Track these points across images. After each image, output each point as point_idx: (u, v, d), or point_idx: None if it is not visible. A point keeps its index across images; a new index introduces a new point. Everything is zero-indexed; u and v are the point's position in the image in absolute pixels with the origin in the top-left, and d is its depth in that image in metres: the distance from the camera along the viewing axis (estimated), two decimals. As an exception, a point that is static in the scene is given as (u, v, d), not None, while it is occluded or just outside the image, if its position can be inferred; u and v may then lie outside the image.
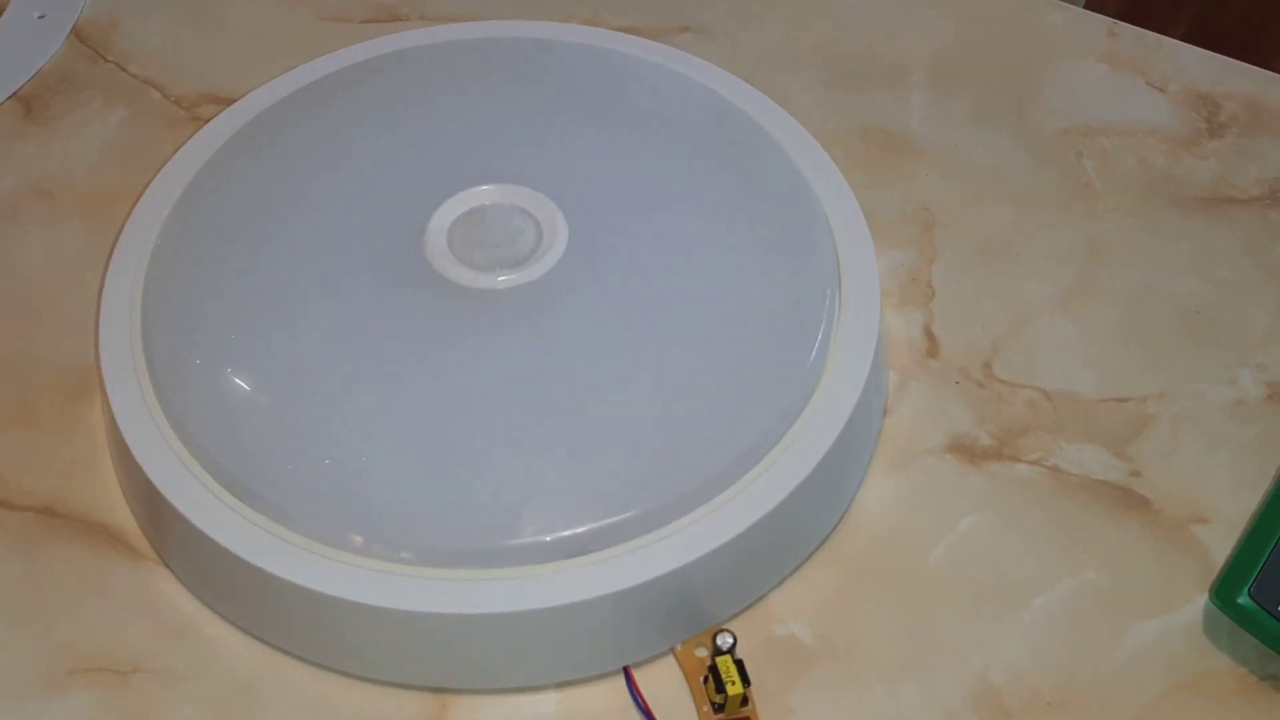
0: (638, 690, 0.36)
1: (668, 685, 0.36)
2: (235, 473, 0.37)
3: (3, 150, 0.49)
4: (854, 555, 0.39)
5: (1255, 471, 0.40)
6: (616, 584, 0.35)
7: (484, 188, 0.43)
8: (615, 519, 0.35)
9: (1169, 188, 0.48)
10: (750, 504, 0.36)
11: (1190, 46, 0.52)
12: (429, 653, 0.36)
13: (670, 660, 0.37)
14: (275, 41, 0.53)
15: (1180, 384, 0.42)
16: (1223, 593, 0.36)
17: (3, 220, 0.47)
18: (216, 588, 0.38)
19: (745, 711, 0.35)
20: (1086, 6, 0.57)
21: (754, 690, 0.36)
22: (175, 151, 0.46)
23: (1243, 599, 0.36)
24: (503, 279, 0.40)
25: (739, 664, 0.35)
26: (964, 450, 0.41)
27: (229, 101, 0.48)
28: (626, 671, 0.36)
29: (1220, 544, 0.39)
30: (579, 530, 0.35)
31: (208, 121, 0.47)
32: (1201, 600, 0.38)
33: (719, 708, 0.35)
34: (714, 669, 0.35)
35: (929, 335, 0.44)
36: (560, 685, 0.36)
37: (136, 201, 0.44)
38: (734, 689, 0.34)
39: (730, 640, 0.35)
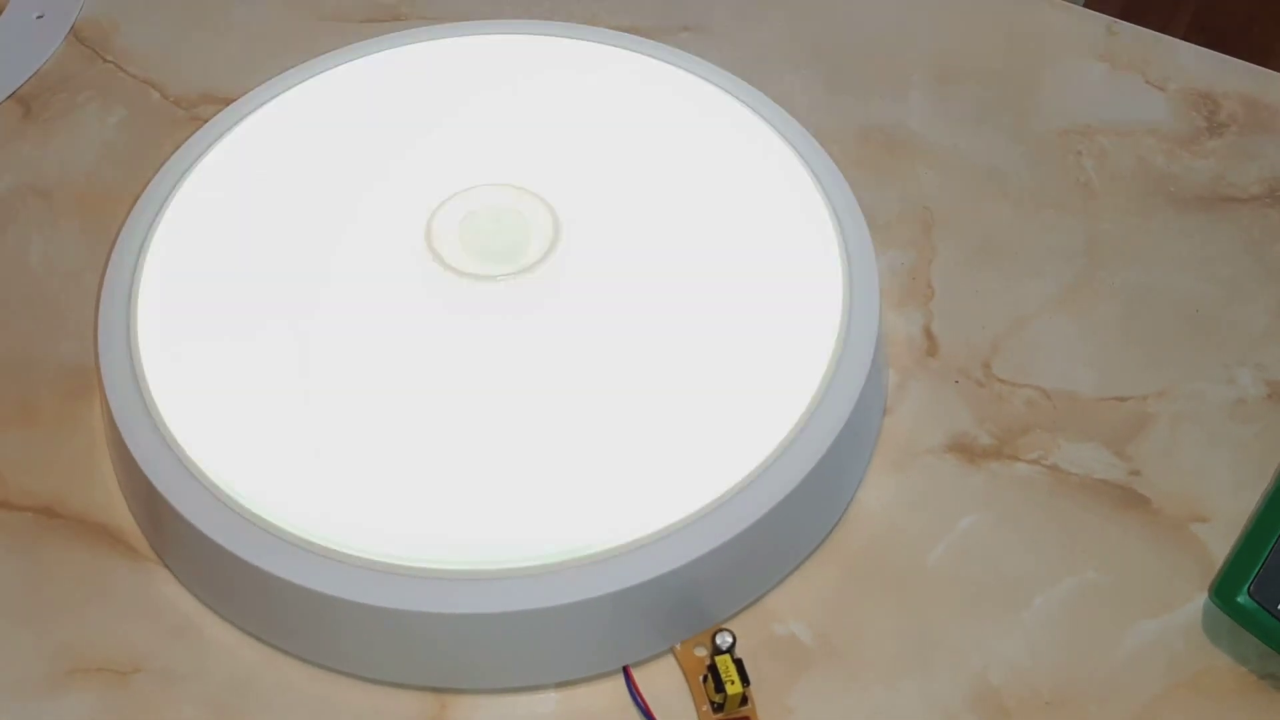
0: (637, 690, 0.36)
1: (667, 685, 0.36)
2: (234, 472, 0.37)
3: (2, 150, 0.49)
4: (853, 555, 0.39)
5: (1255, 470, 0.40)
6: (616, 584, 0.35)
7: (484, 188, 0.43)
8: (614, 519, 0.35)
9: (1168, 187, 0.48)
10: (750, 504, 0.36)
11: (1189, 45, 0.52)
12: (428, 652, 0.36)
13: (670, 660, 0.37)
14: (274, 41, 0.53)
15: (1180, 383, 0.42)
16: (1222, 591, 0.36)
17: (2, 220, 0.47)
18: (216, 587, 0.38)
19: (744, 711, 0.35)
20: (1086, 5, 0.57)
21: (753, 690, 0.36)
22: (174, 151, 0.45)
23: (1242, 598, 0.36)
24: (503, 279, 0.40)
25: (738, 663, 0.35)
26: (964, 449, 0.41)
27: (228, 101, 0.48)
28: (626, 671, 0.36)
29: (1220, 543, 0.39)
30: (578, 530, 0.35)
31: (207, 121, 0.46)
32: (1201, 599, 0.38)
33: (718, 707, 0.35)
34: (713, 668, 0.35)
35: (928, 335, 0.44)
36: (560, 685, 0.36)
37: (135, 201, 0.44)
38: (733, 688, 0.34)
39: (730, 640, 0.35)
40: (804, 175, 0.44)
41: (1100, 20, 0.53)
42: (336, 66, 0.48)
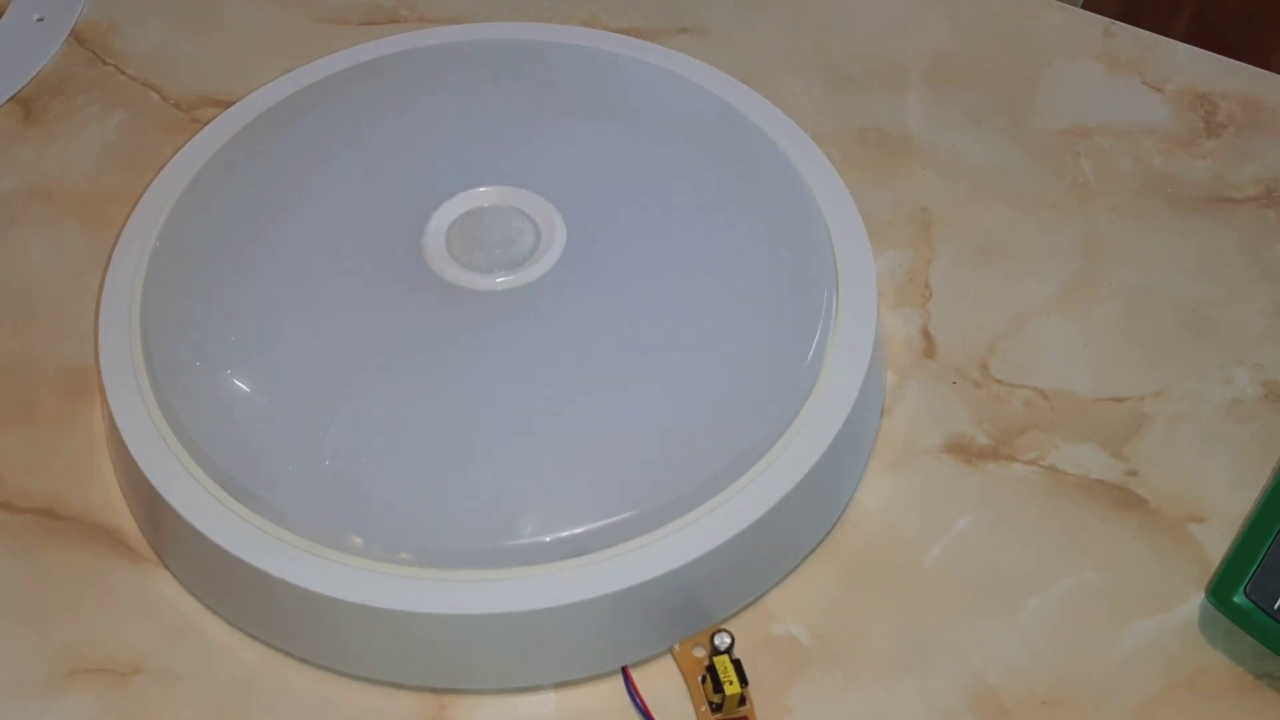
0: (636, 690, 0.36)
1: (666, 685, 0.36)
2: (234, 473, 0.37)
3: (2, 152, 0.49)
4: (852, 555, 0.39)
5: (1252, 470, 0.40)
6: (614, 584, 0.35)
7: (482, 189, 0.43)
8: (613, 519, 0.36)
9: (1166, 187, 0.48)
10: (748, 504, 0.36)
11: (1187, 46, 0.52)
12: (427, 653, 0.36)
13: (668, 660, 0.37)
14: (274, 44, 0.53)
15: (1177, 383, 0.42)
16: (1219, 591, 0.36)
17: (2, 222, 0.47)
18: (216, 588, 0.38)
19: (743, 711, 0.35)
20: (1084, 6, 0.57)
21: (752, 690, 0.36)
22: (174, 154, 0.46)
23: (1239, 598, 0.36)
24: (501, 280, 0.40)
25: (737, 664, 0.35)
26: (961, 450, 0.41)
27: (228, 104, 0.48)
28: (625, 672, 0.37)
29: (1216, 543, 0.39)
30: (577, 531, 0.35)
31: (206, 124, 0.47)
32: (1198, 599, 0.38)
33: (717, 707, 0.35)
34: (712, 669, 0.35)
35: (926, 335, 0.44)
36: (559, 685, 0.37)
37: (135, 203, 0.44)
38: (732, 689, 0.34)
39: (728, 640, 0.35)
40: (801, 176, 0.44)
41: (1098, 21, 0.53)
42: (335, 69, 0.48)
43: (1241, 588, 0.36)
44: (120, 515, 0.40)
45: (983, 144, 0.49)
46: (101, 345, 0.40)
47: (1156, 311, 0.44)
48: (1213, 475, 0.40)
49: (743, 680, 0.35)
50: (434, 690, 0.36)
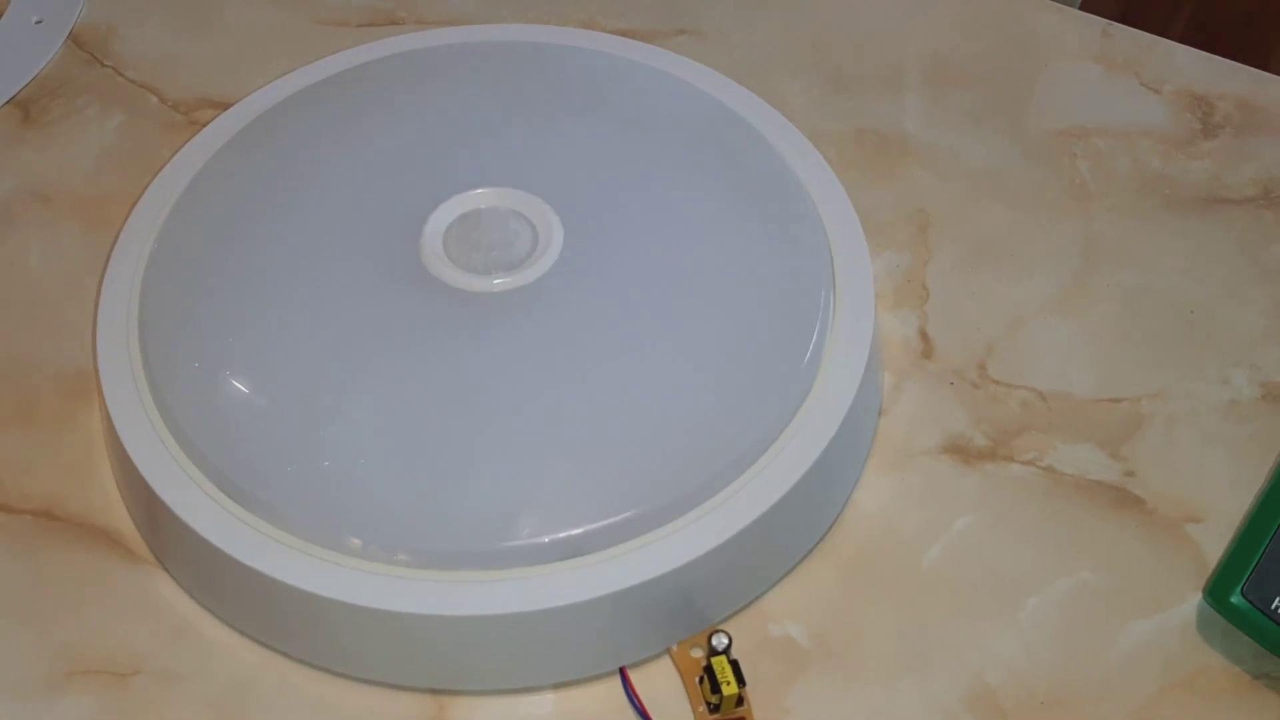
0: (634, 691, 0.36)
1: (664, 686, 0.36)
2: (232, 475, 0.37)
3: (1, 155, 0.50)
4: (849, 556, 0.39)
5: (1249, 471, 0.40)
6: (612, 585, 0.35)
7: (480, 191, 0.43)
8: (611, 520, 0.36)
9: (1163, 188, 0.48)
10: (746, 505, 0.36)
11: (1184, 47, 0.52)
12: (426, 654, 0.36)
13: (666, 661, 0.37)
14: (272, 45, 0.53)
15: (1175, 384, 0.42)
16: (1216, 591, 0.36)
17: (1, 224, 0.47)
18: (214, 590, 0.38)
19: (741, 712, 0.35)
20: (1082, 8, 0.57)
21: (749, 690, 0.36)
22: (172, 156, 0.46)
23: (1236, 598, 0.36)
24: (498, 282, 0.40)
25: (734, 664, 0.35)
26: (959, 451, 0.41)
27: (226, 106, 0.48)
28: (623, 672, 0.37)
29: (1214, 543, 0.39)
30: (575, 532, 0.35)
31: (205, 126, 0.47)
32: (1195, 599, 0.38)
33: (714, 708, 0.35)
34: (709, 669, 0.35)
35: (924, 336, 0.44)
36: (557, 686, 0.37)
37: (134, 205, 0.44)
38: (729, 689, 0.35)
39: (725, 641, 0.35)
40: (799, 177, 0.44)
41: (1096, 22, 0.53)
42: (334, 71, 0.48)
43: (1239, 588, 0.36)
44: (119, 516, 0.40)
45: (981, 145, 0.49)
46: (100, 347, 0.40)
47: (1154, 312, 0.44)
48: (1210, 475, 0.40)
49: (740, 681, 0.35)
50: (433, 691, 0.36)
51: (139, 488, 0.38)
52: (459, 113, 0.46)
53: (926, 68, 0.52)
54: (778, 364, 0.39)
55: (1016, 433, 0.41)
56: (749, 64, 0.52)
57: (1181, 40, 0.53)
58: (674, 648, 0.37)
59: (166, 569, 0.39)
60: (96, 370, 0.40)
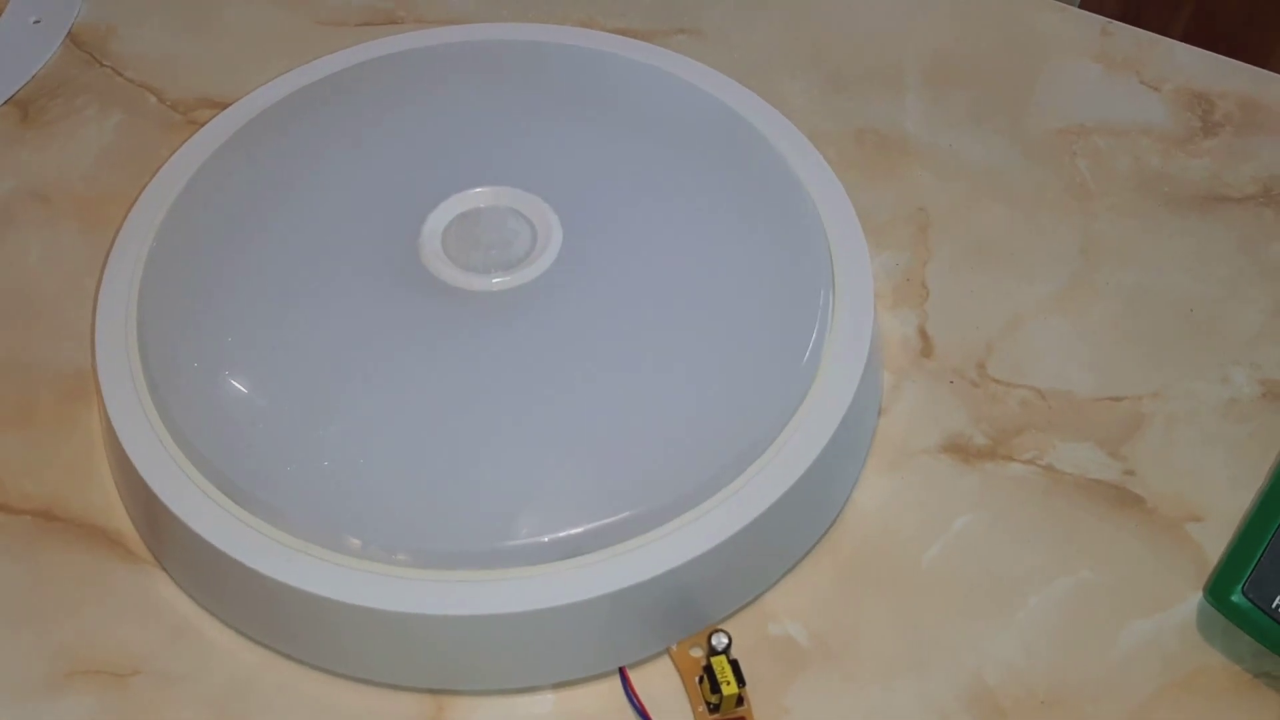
0: (633, 691, 0.36)
1: (663, 685, 0.36)
2: (231, 475, 0.37)
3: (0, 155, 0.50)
4: (849, 555, 0.39)
5: (1249, 469, 0.40)
6: (612, 585, 0.35)
7: (479, 190, 0.43)
8: (610, 520, 0.36)
9: (1163, 187, 0.48)
10: (745, 504, 0.36)
11: (1184, 45, 0.52)
12: (425, 654, 0.36)
13: (666, 660, 0.37)
14: (271, 45, 0.53)
15: (1174, 383, 0.42)
16: (1217, 590, 0.36)
17: (0, 224, 0.47)
18: (213, 590, 0.38)
19: (740, 711, 0.35)
20: (1082, 6, 0.57)
21: (749, 690, 0.36)
22: (171, 155, 0.46)
23: (1236, 596, 0.36)
24: (497, 281, 0.40)
25: (734, 664, 0.35)
26: (958, 450, 0.41)
27: (225, 105, 0.48)
28: (622, 672, 0.37)
29: (1214, 542, 0.39)
30: (574, 531, 0.35)
31: (203, 125, 0.47)
32: (1196, 598, 0.38)
33: (714, 708, 0.35)
34: (709, 669, 0.35)
35: (923, 335, 0.44)
36: (556, 686, 0.37)
37: (132, 205, 0.44)
38: (729, 689, 0.34)
39: (725, 640, 0.35)
40: (799, 177, 0.44)
41: (1095, 21, 0.53)
42: (333, 70, 0.48)
43: (1239, 587, 0.36)
44: (118, 517, 0.40)
45: (980, 144, 0.49)
46: (98, 347, 0.40)
47: (1154, 311, 0.44)
48: (1210, 474, 0.40)
49: (740, 680, 0.35)
50: (432, 691, 0.36)
51: (138, 488, 0.38)
52: (458, 112, 0.46)
53: (926, 67, 0.52)
54: (777, 363, 0.39)
55: (1016, 432, 0.41)
56: (749, 64, 0.51)
57: (1182, 39, 0.53)
58: (674, 647, 0.37)
59: (166, 569, 0.39)
60: (95, 370, 0.40)
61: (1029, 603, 0.38)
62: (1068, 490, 0.40)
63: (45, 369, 0.43)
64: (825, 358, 0.39)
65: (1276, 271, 0.45)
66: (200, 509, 0.36)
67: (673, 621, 0.37)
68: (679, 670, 0.36)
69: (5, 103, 0.51)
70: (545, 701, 0.36)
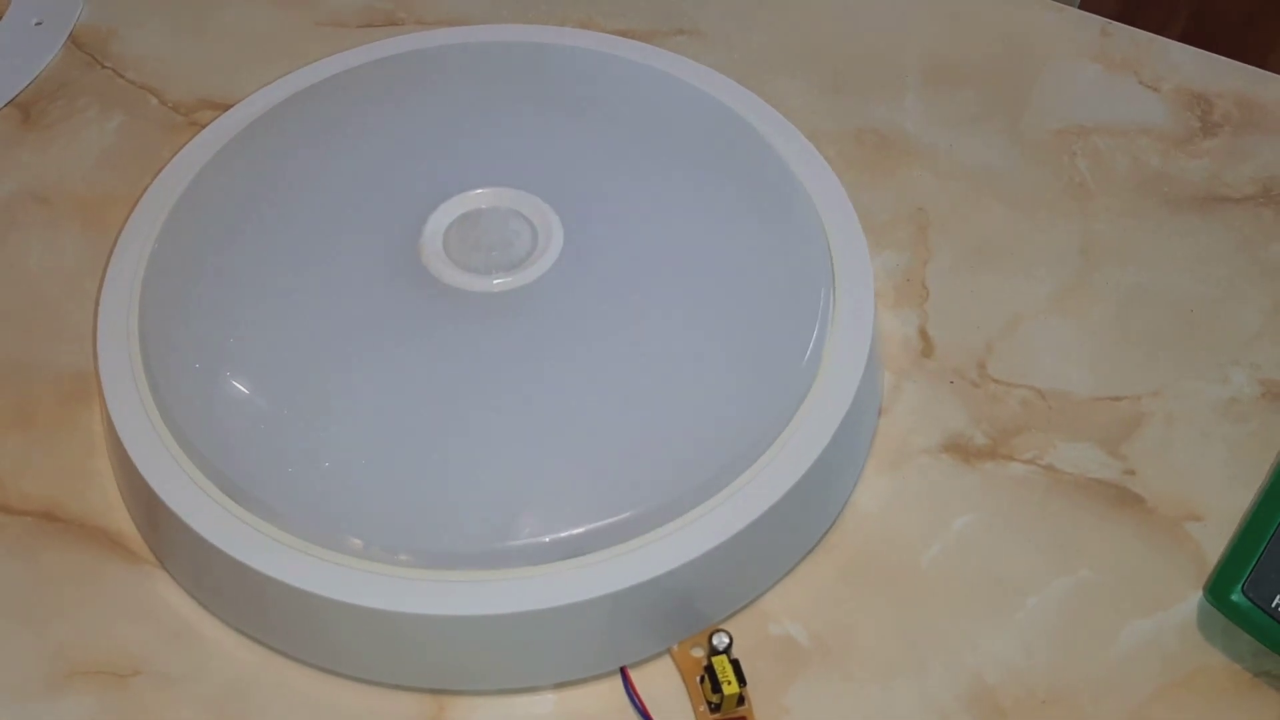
0: (634, 691, 0.36)
1: (664, 685, 0.36)
2: (232, 476, 0.37)
3: (1, 156, 0.50)
4: (849, 555, 0.39)
5: (1249, 469, 0.40)
6: (613, 585, 0.35)
7: (479, 191, 0.43)
8: (611, 520, 0.36)
9: (1163, 187, 0.48)
10: (745, 504, 0.36)
11: (1183, 45, 0.52)
12: (426, 654, 0.36)
13: (667, 660, 0.37)
14: (271, 46, 0.53)
15: (1174, 382, 0.42)
16: (1217, 590, 0.36)
17: (1, 226, 0.47)
18: (214, 590, 0.38)
19: (741, 711, 0.35)
20: (1081, 6, 0.57)
21: (750, 690, 0.36)
22: (172, 157, 0.46)
23: (1236, 596, 0.36)
24: (498, 282, 0.41)
25: (735, 664, 0.35)
26: (959, 449, 0.41)
27: (226, 107, 0.48)
28: (623, 672, 0.37)
29: (1214, 541, 0.39)
30: (575, 532, 0.35)
31: (204, 127, 0.47)
32: (1196, 597, 0.38)
33: (715, 707, 0.35)
34: (710, 669, 0.35)
35: (923, 335, 0.44)
36: (557, 686, 0.37)
37: (134, 207, 0.44)
38: (730, 689, 0.35)
39: (726, 640, 0.35)
40: (798, 177, 0.44)
41: (1094, 21, 0.53)
42: (333, 71, 0.48)
43: (1239, 586, 0.36)
44: (119, 518, 0.40)
45: (980, 144, 0.49)
46: (100, 348, 0.40)
47: (1153, 311, 0.44)
48: (1210, 474, 0.40)
49: (741, 680, 0.35)
50: (432, 691, 0.36)
51: (139, 488, 0.38)
52: (458, 113, 0.46)
53: (926, 67, 0.52)
54: (778, 363, 0.39)
55: (1016, 431, 0.41)
56: (748, 63, 0.52)
57: (1181, 39, 0.53)
58: (675, 647, 0.37)
59: (167, 570, 0.39)
60: (97, 371, 0.40)
61: (1029, 602, 0.38)
62: (1068, 490, 0.40)
63: (46, 370, 0.43)
64: (825, 358, 0.39)
65: (1276, 271, 0.45)
66: (201, 509, 0.36)
67: (674, 621, 0.37)
68: (680, 670, 0.36)
69: (7, 104, 0.51)
70: (546, 701, 0.36)
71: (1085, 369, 0.43)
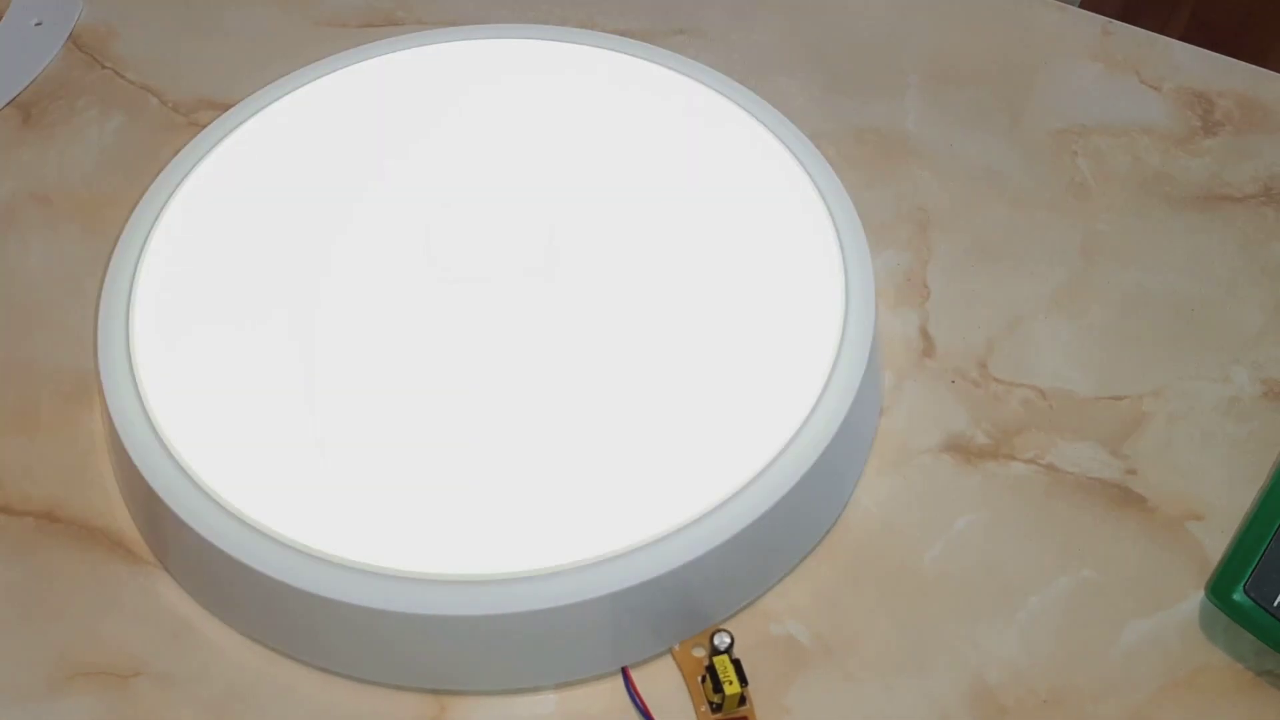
0: (636, 691, 0.36)
1: (666, 685, 0.36)
2: (233, 476, 0.37)
3: (1, 157, 0.50)
4: (850, 555, 0.39)
5: (1250, 468, 0.40)
6: (614, 585, 0.35)
7: (481, 193, 0.43)
8: (613, 521, 0.36)
9: (1163, 186, 0.48)
10: (747, 505, 0.36)
11: (1184, 45, 0.52)
12: (427, 655, 0.36)
13: (668, 660, 0.37)
14: (271, 47, 0.53)
15: (1175, 382, 0.42)
16: (1218, 589, 0.36)
17: (1, 226, 0.47)
18: (215, 591, 0.38)
19: (743, 711, 0.35)
20: (1083, 5, 0.57)
21: (751, 689, 0.36)
22: (172, 157, 0.46)
23: (1238, 595, 0.36)
24: (499, 283, 0.40)
25: (736, 664, 0.35)
26: (960, 449, 0.41)
27: (226, 107, 0.48)
28: (625, 672, 0.37)
29: (1215, 541, 0.39)
30: (576, 532, 0.35)
31: (205, 127, 0.47)
32: (1197, 597, 0.38)
33: (717, 707, 0.35)
34: (711, 669, 0.35)
35: (924, 335, 0.44)
36: (559, 686, 0.37)
37: (134, 207, 0.44)
38: (731, 688, 0.35)
39: (727, 640, 0.35)
40: (799, 177, 0.44)
41: (1095, 21, 0.53)
42: (333, 72, 0.48)
43: (1241, 585, 0.36)
44: (120, 518, 0.40)
45: (980, 144, 0.49)
46: (101, 348, 0.40)
47: (1154, 310, 0.44)
48: (1211, 473, 0.40)
49: (742, 680, 0.35)
50: (434, 691, 0.36)
51: (140, 489, 0.38)
52: (459, 114, 0.46)
53: (926, 67, 0.52)
54: (778, 364, 0.39)
55: (1017, 431, 0.41)
56: (749, 64, 0.52)
57: (1181, 38, 0.53)
58: (676, 647, 0.37)
59: (167, 570, 0.39)
60: (98, 372, 0.40)
61: (1030, 602, 0.38)
62: (1069, 489, 0.40)
63: (47, 371, 0.43)
64: (827, 358, 0.39)
65: (1277, 270, 0.45)
66: (202, 509, 0.36)
67: (675, 621, 0.37)
68: (681, 670, 0.36)
69: (7, 105, 0.51)
70: (548, 702, 0.36)
71: (1086, 368, 0.43)
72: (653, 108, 0.46)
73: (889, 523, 0.39)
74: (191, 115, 0.51)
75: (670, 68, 0.47)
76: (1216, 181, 0.48)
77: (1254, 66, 0.52)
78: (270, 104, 0.47)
